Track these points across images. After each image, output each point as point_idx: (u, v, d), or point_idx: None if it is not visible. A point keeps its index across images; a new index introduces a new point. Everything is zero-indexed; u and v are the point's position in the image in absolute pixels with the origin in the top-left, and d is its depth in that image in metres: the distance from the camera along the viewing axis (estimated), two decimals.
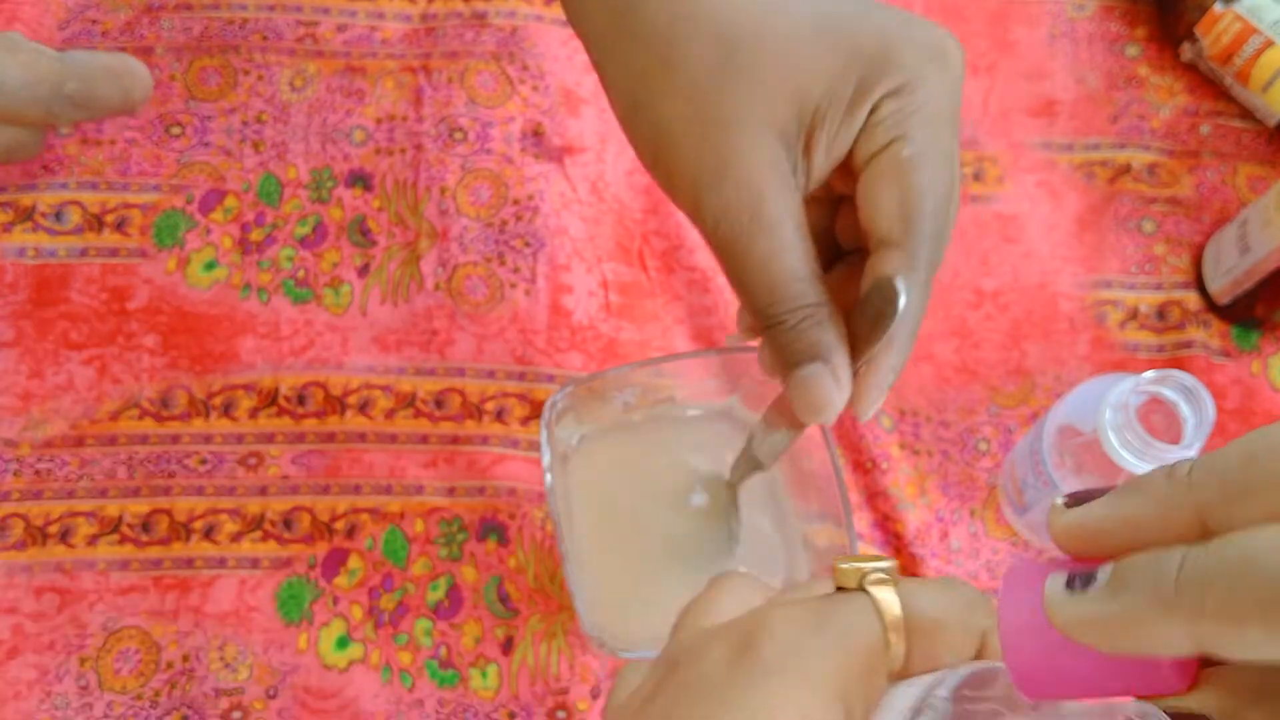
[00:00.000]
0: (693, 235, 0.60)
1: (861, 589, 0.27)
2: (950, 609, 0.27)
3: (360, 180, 0.61)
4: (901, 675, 0.27)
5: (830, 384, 0.37)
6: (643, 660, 0.32)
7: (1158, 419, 0.47)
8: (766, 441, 0.44)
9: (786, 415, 0.42)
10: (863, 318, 0.37)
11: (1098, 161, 0.63)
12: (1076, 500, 0.23)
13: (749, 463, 0.46)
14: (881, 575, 0.27)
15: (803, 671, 0.26)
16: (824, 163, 0.37)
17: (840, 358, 0.37)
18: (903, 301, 0.35)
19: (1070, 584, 0.21)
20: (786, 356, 0.37)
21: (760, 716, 0.25)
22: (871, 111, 0.37)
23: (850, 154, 0.37)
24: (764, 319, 0.37)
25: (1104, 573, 0.21)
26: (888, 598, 0.27)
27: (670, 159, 0.37)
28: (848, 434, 0.57)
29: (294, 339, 0.57)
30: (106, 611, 0.53)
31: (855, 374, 0.38)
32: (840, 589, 0.28)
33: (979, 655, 0.27)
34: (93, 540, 0.54)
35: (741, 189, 0.36)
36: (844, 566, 0.27)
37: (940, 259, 0.37)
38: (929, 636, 0.27)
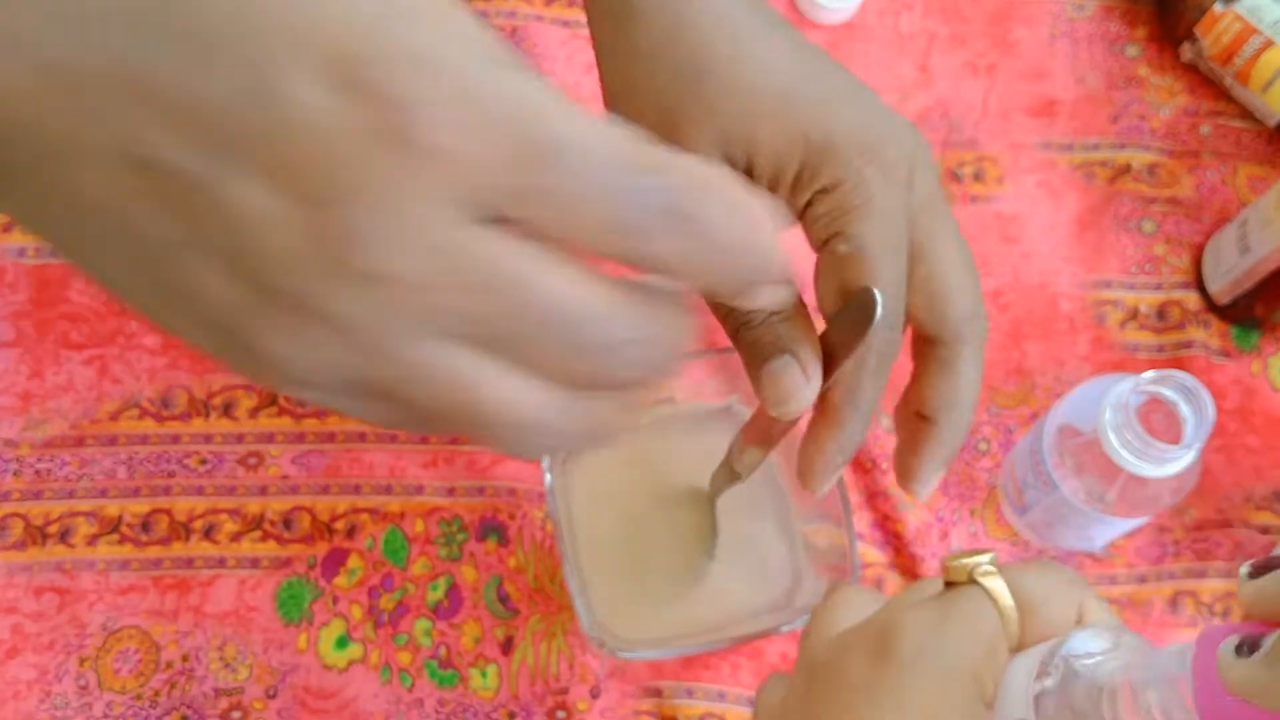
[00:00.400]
0: None
1: (973, 581, 0.31)
2: (1052, 587, 0.32)
3: None
4: (1018, 649, 0.31)
5: (798, 375, 0.37)
6: (783, 674, 0.35)
7: (1158, 419, 0.47)
8: (744, 455, 0.45)
9: (761, 431, 0.43)
10: (839, 327, 0.37)
11: (1098, 161, 0.63)
12: (1258, 570, 0.27)
13: (727, 475, 0.47)
14: (988, 568, 0.31)
15: (938, 662, 0.30)
16: None
17: (808, 352, 0.37)
18: (879, 311, 0.35)
19: (1239, 649, 0.25)
20: (755, 353, 0.38)
21: (908, 705, 0.29)
22: (809, 205, 0.38)
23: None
24: (732, 321, 0.38)
25: (1267, 642, 0.25)
26: (999, 586, 0.31)
27: None
28: None
29: None
30: (106, 611, 0.53)
31: (830, 391, 0.38)
32: (950, 584, 0.32)
33: (1080, 622, 0.32)
34: (93, 540, 0.54)
35: None
36: (953, 564, 0.32)
37: (898, 348, 0.38)
38: (1037, 614, 0.31)
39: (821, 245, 0.38)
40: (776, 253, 0.26)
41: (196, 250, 0.24)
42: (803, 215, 0.38)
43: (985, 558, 0.31)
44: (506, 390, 0.25)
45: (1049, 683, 0.29)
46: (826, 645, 0.33)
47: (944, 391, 0.39)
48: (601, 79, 0.40)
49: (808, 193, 0.38)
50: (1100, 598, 0.33)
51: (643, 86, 0.39)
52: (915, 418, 0.40)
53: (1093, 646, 0.29)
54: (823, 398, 0.38)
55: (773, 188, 0.38)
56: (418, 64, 0.23)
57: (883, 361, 0.37)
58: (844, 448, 0.39)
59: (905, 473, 0.41)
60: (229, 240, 0.24)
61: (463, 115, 0.23)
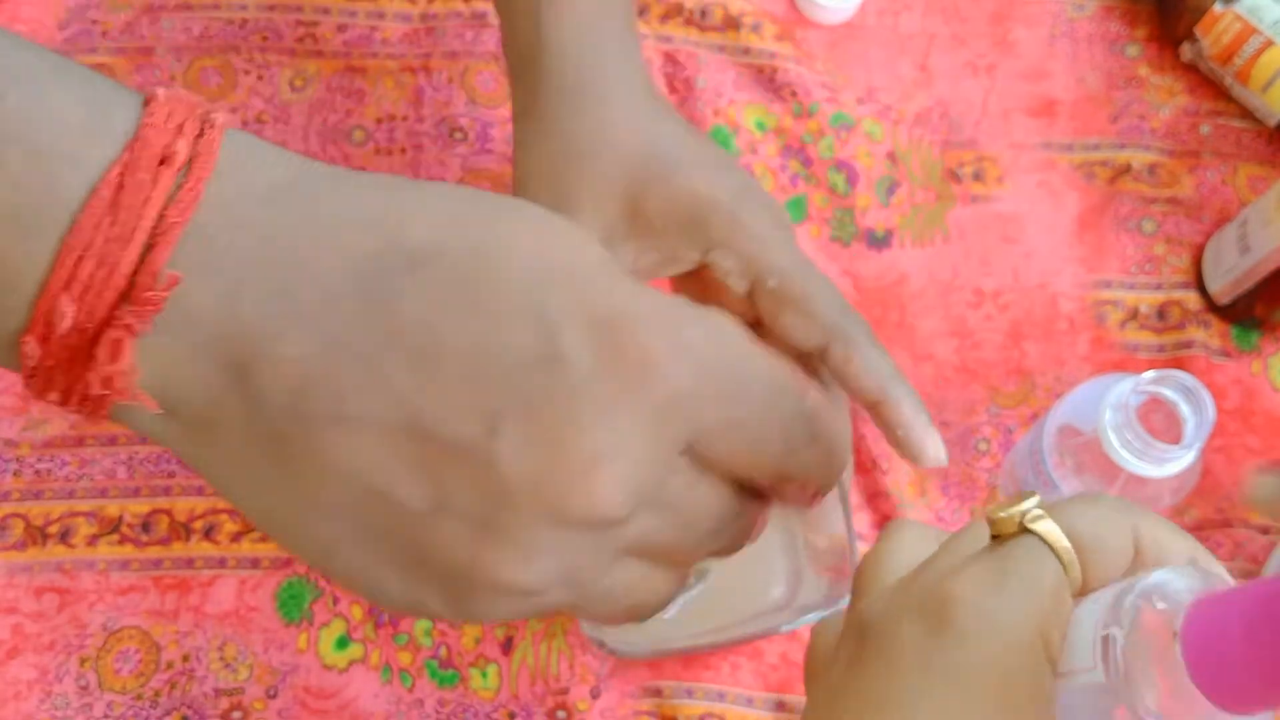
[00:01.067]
0: None
1: (1024, 530, 0.29)
2: (1104, 520, 0.29)
3: None
4: (1081, 592, 0.29)
5: None
6: (836, 617, 0.33)
7: (1158, 419, 0.47)
8: None
9: None
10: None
11: (1098, 161, 0.63)
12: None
13: None
14: (1037, 512, 0.29)
15: (1000, 628, 0.27)
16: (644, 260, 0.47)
17: None
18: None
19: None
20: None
21: (968, 678, 0.27)
22: (709, 263, 0.45)
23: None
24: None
25: None
26: (1053, 530, 0.29)
27: None
28: None
29: None
30: (106, 611, 0.53)
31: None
32: (997, 537, 0.29)
33: (1136, 550, 0.30)
34: (93, 540, 0.54)
35: None
36: (1000, 516, 0.29)
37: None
38: (1095, 551, 0.29)
39: (753, 295, 0.45)
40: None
41: (449, 512, 0.26)
42: (702, 269, 0.46)
43: (1031, 502, 0.29)
44: (658, 585, 0.31)
45: (1117, 630, 0.26)
46: (879, 597, 0.31)
47: (867, 372, 0.43)
48: (515, 143, 0.47)
49: (701, 243, 0.45)
50: (1161, 518, 0.31)
51: (550, 158, 0.46)
52: (874, 410, 0.43)
53: (1173, 587, 0.26)
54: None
55: (661, 235, 0.45)
56: (652, 321, 0.27)
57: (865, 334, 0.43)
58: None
59: (910, 447, 0.43)
60: (486, 499, 0.26)
61: (686, 363, 0.27)
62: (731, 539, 0.32)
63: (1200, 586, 0.26)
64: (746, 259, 0.46)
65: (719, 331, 0.29)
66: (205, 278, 0.25)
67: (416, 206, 0.27)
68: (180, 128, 0.26)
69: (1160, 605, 0.26)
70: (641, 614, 0.31)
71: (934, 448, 0.43)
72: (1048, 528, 0.29)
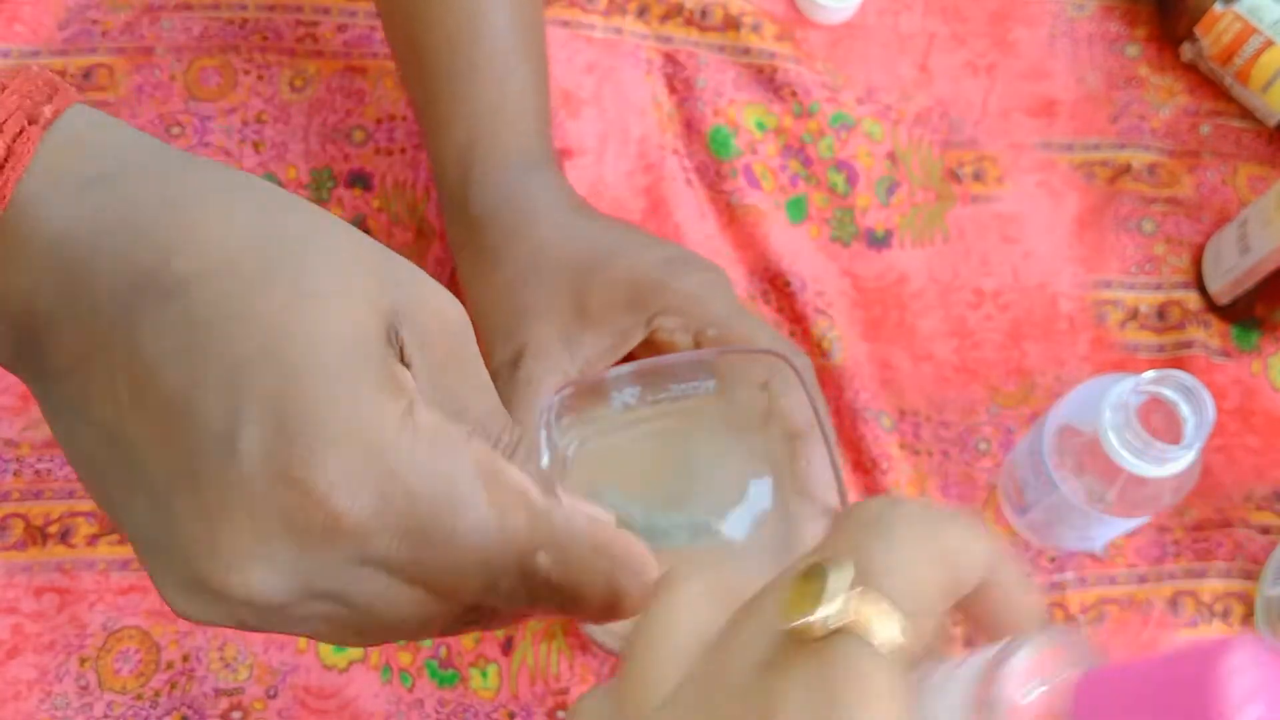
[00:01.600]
0: (692, 238, 0.60)
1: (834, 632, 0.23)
2: (914, 561, 0.24)
3: (360, 180, 0.61)
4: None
5: None
6: (595, 700, 0.27)
7: (1158, 419, 0.47)
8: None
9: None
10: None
11: (1098, 161, 0.63)
12: None
13: None
14: (836, 610, 0.23)
15: None
16: (599, 352, 0.51)
17: None
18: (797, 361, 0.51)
19: None
20: None
21: None
22: (655, 328, 0.51)
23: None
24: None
25: None
26: (868, 621, 0.23)
27: (481, 332, 0.46)
28: (848, 434, 0.57)
29: None
30: (106, 611, 0.53)
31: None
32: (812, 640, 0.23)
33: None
34: (93, 540, 0.54)
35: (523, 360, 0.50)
36: (801, 625, 0.23)
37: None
38: (919, 607, 0.24)
39: (694, 345, 0.51)
40: (638, 600, 0.30)
41: (139, 532, 0.28)
42: (651, 335, 0.51)
43: (835, 602, 0.23)
44: (375, 638, 0.30)
45: None
46: (679, 709, 0.25)
47: (797, 409, 0.50)
48: (456, 264, 0.52)
49: (643, 316, 0.50)
50: (969, 527, 0.25)
51: (498, 288, 0.51)
52: (792, 441, 0.50)
53: (1041, 666, 0.23)
54: None
55: (608, 321, 0.50)
56: (344, 443, 0.26)
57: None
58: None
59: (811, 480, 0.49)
60: (160, 541, 0.27)
61: (364, 496, 0.26)
62: (471, 626, 0.30)
63: (1070, 659, 0.23)
64: (686, 316, 0.51)
65: (432, 470, 0.27)
66: (8, 274, 0.27)
67: (199, 228, 0.27)
68: (0, 127, 0.27)
69: (1037, 691, 0.22)
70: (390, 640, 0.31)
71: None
72: (860, 619, 0.23)
